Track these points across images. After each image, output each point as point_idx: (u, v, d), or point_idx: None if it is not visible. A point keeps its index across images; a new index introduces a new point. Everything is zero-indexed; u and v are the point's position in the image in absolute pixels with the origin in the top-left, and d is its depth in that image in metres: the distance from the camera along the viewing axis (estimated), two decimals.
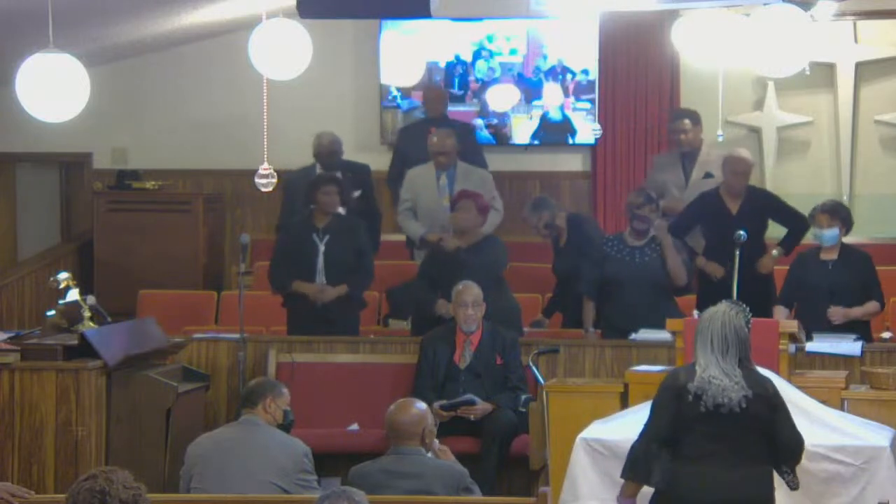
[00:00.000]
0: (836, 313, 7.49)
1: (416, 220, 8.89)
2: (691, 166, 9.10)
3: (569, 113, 10.42)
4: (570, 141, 10.41)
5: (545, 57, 10.41)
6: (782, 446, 5.10)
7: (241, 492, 5.51)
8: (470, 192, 8.35)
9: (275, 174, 5.41)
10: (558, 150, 10.55)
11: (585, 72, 10.36)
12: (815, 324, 7.35)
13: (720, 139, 8.93)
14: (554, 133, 10.43)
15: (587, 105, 10.35)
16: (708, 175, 8.99)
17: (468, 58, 10.50)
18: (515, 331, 7.93)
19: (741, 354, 5.06)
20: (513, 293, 8.25)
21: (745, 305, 5.25)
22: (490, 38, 10.49)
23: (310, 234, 8.09)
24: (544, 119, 10.44)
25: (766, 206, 8.34)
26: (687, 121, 9.06)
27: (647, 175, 9.54)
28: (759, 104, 10.36)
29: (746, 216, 8.17)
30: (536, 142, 10.41)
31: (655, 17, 9.59)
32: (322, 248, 8.06)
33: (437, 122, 9.67)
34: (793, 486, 5.17)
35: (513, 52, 10.47)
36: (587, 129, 10.08)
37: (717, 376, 4.99)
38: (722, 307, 5.14)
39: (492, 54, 10.48)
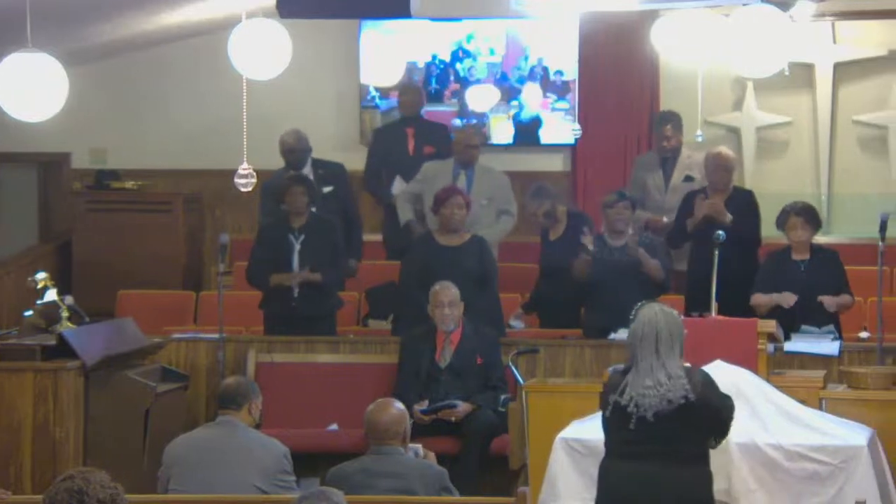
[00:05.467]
0: (829, 301, 7.52)
1: (411, 206, 8.84)
2: (672, 169, 9.13)
3: (541, 112, 10.44)
4: (541, 140, 10.43)
5: (526, 58, 10.43)
6: (723, 425, 5.12)
7: (220, 493, 5.49)
8: (456, 188, 8.33)
9: (254, 174, 5.40)
10: (539, 151, 10.56)
11: (560, 72, 10.39)
12: (790, 323, 7.37)
13: (699, 139, 8.95)
14: (525, 133, 10.46)
15: (565, 105, 10.38)
16: (688, 178, 9.02)
17: (446, 57, 10.51)
18: (499, 329, 7.93)
19: (681, 351, 5.08)
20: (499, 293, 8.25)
21: (670, 306, 5.25)
22: (469, 38, 10.50)
23: (286, 235, 8.11)
24: (515, 120, 10.47)
25: (745, 204, 8.37)
26: (669, 126, 9.09)
27: (631, 175, 9.56)
28: (738, 104, 10.39)
29: (731, 214, 8.21)
30: (511, 142, 10.43)
31: (635, 17, 9.61)
32: (298, 247, 8.07)
33: (413, 123, 9.67)
34: (714, 447, 5.18)
35: (491, 51, 10.48)
36: (564, 129, 10.11)
37: (660, 382, 4.97)
38: (655, 307, 5.14)
39: (471, 54, 10.49)
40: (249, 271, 8.30)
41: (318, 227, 8.18)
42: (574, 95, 10.33)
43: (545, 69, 10.40)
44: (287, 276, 8.04)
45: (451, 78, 10.50)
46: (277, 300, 8.09)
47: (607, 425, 5.14)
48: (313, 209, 8.28)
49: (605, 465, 5.16)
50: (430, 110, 10.09)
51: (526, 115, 10.46)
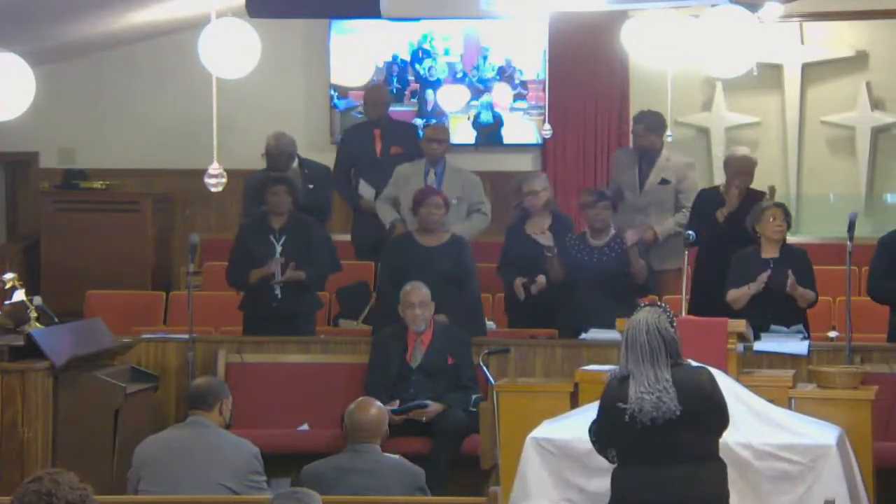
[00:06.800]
0: (798, 288, 7.54)
1: (392, 207, 8.82)
2: (648, 169, 9.05)
3: (502, 112, 10.48)
4: (503, 140, 10.46)
5: (485, 57, 10.47)
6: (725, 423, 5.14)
7: (191, 493, 5.47)
8: (434, 188, 8.34)
9: (224, 174, 5.38)
10: (504, 150, 10.57)
11: (520, 72, 10.43)
12: (760, 323, 7.40)
13: (669, 139, 8.97)
14: (487, 134, 10.49)
15: (524, 105, 10.41)
16: (664, 181, 8.99)
17: (406, 57, 10.52)
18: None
19: (671, 355, 5.04)
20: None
21: (664, 305, 5.21)
22: (424, 38, 10.51)
23: (266, 235, 8.07)
24: (476, 121, 10.49)
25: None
26: (641, 126, 9.04)
27: (611, 172, 9.54)
28: (707, 105, 10.44)
29: (744, 215, 8.21)
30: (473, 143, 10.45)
31: (605, 18, 9.63)
32: (279, 248, 8.05)
33: (380, 123, 9.66)
34: None
35: (447, 52, 10.50)
36: (526, 129, 10.12)
37: (649, 390, 4.96)
38: (643, 313, 5.09)
39: (430, 54, 10.51)
40: (230, 273, 8.23)
41: (299, 226, 8.14)
42: (534, 95, 10.37)
43: (512, 69, 10.44)
44: (264, 269, 7.97)
45: (412, 78, 10.52)
46: (258, 300, 8.05)
47: (616, 433, 5.07)
48: (294, 209, 8.23)
49: (618, 472, 5.11)
50: (390, 110, 10.08)
51: (486, 116, 10.49)
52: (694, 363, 5.22)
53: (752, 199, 8.32)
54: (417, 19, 10.43)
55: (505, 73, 10.47)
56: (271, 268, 7.93)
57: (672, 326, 5.08)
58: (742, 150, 8.61)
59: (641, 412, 4.97)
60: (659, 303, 5.28)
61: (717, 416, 5.08)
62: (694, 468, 5.00)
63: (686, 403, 4.96)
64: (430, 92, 10.56)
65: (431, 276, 7.70)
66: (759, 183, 9.56)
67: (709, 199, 8.49)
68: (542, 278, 8.16)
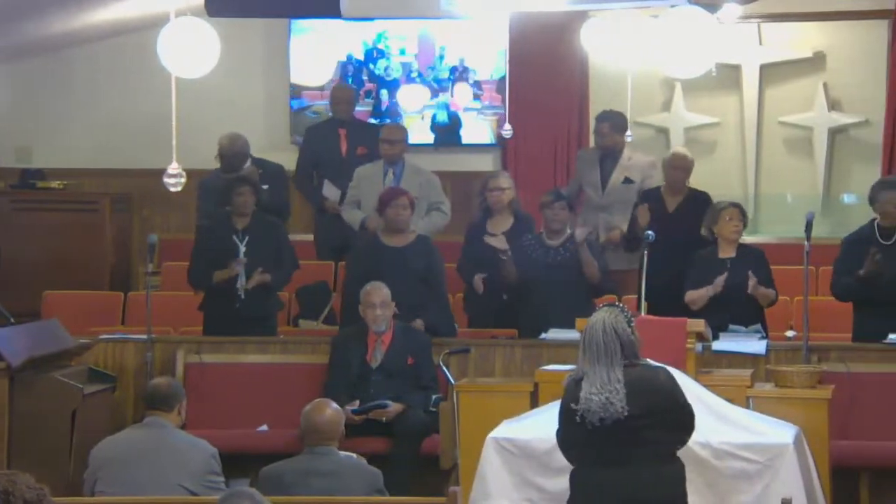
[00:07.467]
0: (753, 283, 7.59)
1: (358, 210, 8.80)
2: (611, 168, 9.08)
3: (459, 112, 10.49)
4: (462, 140, 10.48)
5: (442, 57, 10.47)
6: (688, 425, 5.13)
7: (148, 494, 5.44)
8: (400, 189, 8.32)
9: (184, 174, 5.36)
10: (468, 151, 10.58)
11: (473, 71, 10.44)
12: (719, 323, 7.43)
13: (628, 139, 9.01)
14: (444, 134, 10.49)
15: (478, 105, 10.43)
16: (627, 180, 9.02)
17: (361, 57, 10.50)
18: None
19: (628, 355, 5.02)
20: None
21: (623, 306, 5.20)
22: (379, 38, 10.49)
23: (230, 236, 8.04)
24: (433, 121, 10.50)
25: (702, 206, 8.32)
26: (605, 125, 9.08)
27: (576, 170, 9.57)
28: (666, 105, 10.48)
29: (682, 216, 8.25)
30: (430, 143, 10.45)
31: (565, 18, 9.65)
32: (243, 248, 8.01)
33: (346, 124, 9.64)
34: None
35: (402, 51, 10.50)
36: (480, 128, 10.12)
37: (598, 391, 4.94)
38: (601, 313, 5.06)
39: (384, 54, 10.50)
40: (191, 273, 8.18)
41: (262, 227, 8.12)
42: (489, 95, 10.40)
43: (466, 69, 10.45)
44: (228, 270, 7.95)
45: (366, 77, 10.50)
46: (220, 301, 8.01)
47: (571, 434, 5.06)
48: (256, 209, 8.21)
49: (575, 473, 5.11)
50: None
51: (442, 116, 10.50)
52: (653, 363, 5.22)
53: (695, 199, 8.39)
54: (363, 19, 10.39)
55: (459, 74, 10.48)
56: (234, 269, 7.91)
57: (630, 327, 5.07)
58: (679, 149, 8.71)
59: (590, 412, 4.95)
60: (617, 303, 5.27)
61: (676, 413, 5.05)
62: (649, 469, 4.99)
63: (638, 403, 4.94)
64: (384, 92, 10.54)
65: (404, 276, 7.71)
66: (720, 183, 9.67)
67: (647, 199, 8.53)
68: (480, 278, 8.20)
